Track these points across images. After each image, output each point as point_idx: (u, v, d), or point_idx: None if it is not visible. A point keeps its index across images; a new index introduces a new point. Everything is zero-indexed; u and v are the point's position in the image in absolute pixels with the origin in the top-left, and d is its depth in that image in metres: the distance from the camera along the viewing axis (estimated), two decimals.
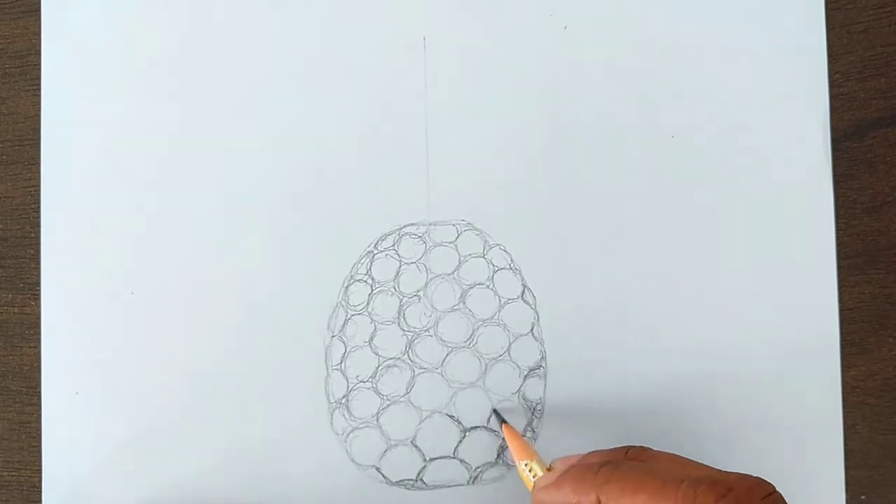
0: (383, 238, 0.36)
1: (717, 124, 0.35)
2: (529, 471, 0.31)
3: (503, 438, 0.34)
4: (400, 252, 0.36)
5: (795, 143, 0.35)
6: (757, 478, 0.27)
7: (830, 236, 0.35)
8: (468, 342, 0.35)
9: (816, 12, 0.35)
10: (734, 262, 0.35)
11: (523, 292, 0.35)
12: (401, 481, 0.35)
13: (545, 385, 0.35)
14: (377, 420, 0.35)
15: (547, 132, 0.36)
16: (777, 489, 0.27)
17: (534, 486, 0.30)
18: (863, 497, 0.34)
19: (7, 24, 0.38)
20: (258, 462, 0.35)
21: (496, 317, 0.35)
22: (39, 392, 0.36)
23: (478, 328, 0.35)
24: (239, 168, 0.36)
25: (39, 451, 0.36)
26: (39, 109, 0.37)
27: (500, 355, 0.35)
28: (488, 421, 0.35)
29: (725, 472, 0.28)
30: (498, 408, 0.35)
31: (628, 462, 0.28)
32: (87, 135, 0.36)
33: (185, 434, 0.35)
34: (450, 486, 0.35)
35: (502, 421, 0.34)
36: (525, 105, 0.36)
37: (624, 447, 0.30)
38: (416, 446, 0.35)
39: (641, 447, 0.30)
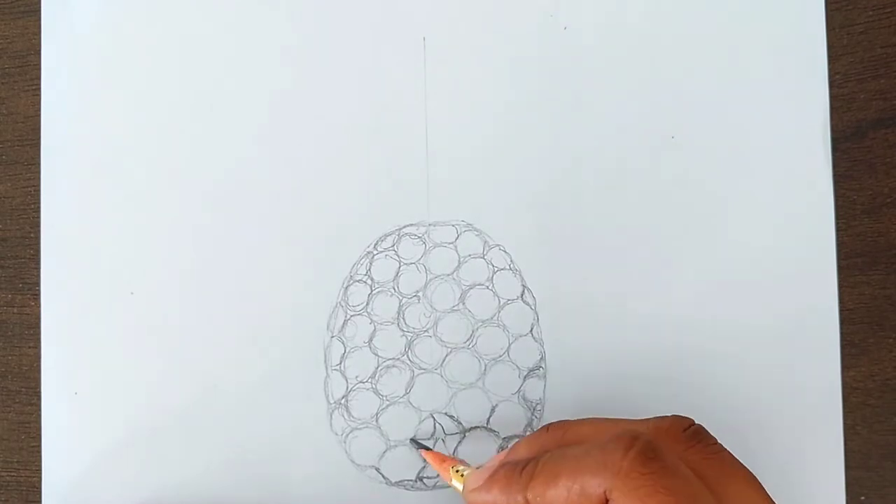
0: (383, 238, 0.36)
1: (717, 124, 0.35)
2: (460, 473, 0.31)
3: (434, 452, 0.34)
4: (399, 252, 0.36)
5: (795, 143, 0.35)
6: (673, 416, 0.27)
7: (830, 237, 0.35)
8: (468, 343, 0.35)
9: (816, 13, 0.35)
10: (734, 263, 0.35)
11: (523, 293, 0.35)
12: (401, 481, 0.35)
13: (545, 385, 0.35)
14: (377, 420, 0.35)
15: (547, 132, 0.36)
16: (697, 422, 0.27)
17: (464, 487, 0.30)
18: (862, 498, 0.34)
19: (7, 24, 0.38)
20: (258, 462, 0.35)
21: (496, 317, 0.35)
22: (39, 392, 0.36)
23: (477, 329, 0.35)
24: (238, 168, 0.36)
25: (39, 451, 0.36)
26: (39, 109, 0.37)
27: (500, 356, 0.35)
28: (488, 421, 0.35)
29: (641, 420, 0.27)
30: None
31: (548, 453, 0.28)
32: (87, 135, 0.36)
33: (185, 434, 0.35)
34: (450, 487, 0.35)
35: (419, 447, 0.34)
36: (525, 105, 0.36)
37: (545, 426, 0.30)
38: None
39: (560, 422, 0.30)
